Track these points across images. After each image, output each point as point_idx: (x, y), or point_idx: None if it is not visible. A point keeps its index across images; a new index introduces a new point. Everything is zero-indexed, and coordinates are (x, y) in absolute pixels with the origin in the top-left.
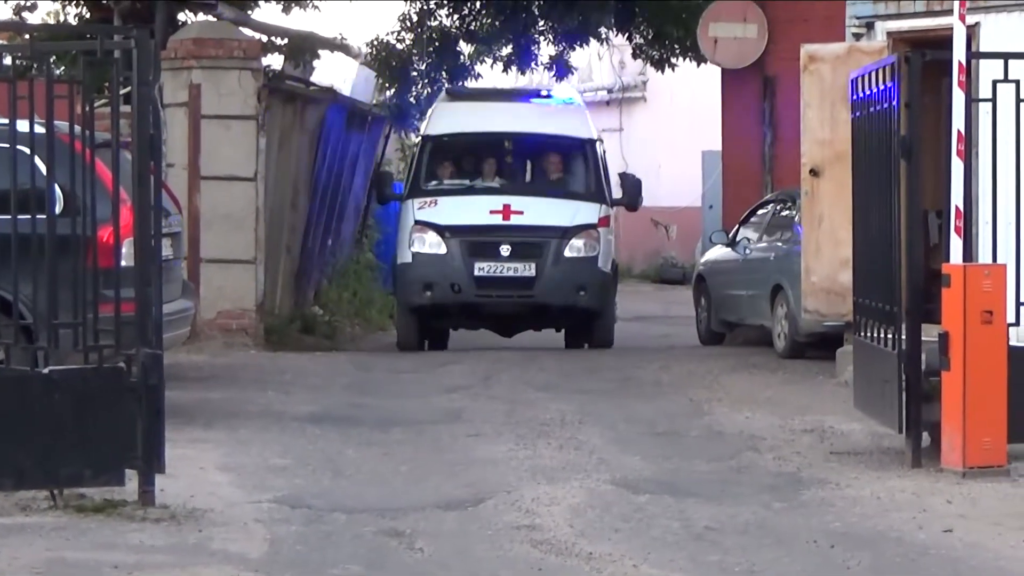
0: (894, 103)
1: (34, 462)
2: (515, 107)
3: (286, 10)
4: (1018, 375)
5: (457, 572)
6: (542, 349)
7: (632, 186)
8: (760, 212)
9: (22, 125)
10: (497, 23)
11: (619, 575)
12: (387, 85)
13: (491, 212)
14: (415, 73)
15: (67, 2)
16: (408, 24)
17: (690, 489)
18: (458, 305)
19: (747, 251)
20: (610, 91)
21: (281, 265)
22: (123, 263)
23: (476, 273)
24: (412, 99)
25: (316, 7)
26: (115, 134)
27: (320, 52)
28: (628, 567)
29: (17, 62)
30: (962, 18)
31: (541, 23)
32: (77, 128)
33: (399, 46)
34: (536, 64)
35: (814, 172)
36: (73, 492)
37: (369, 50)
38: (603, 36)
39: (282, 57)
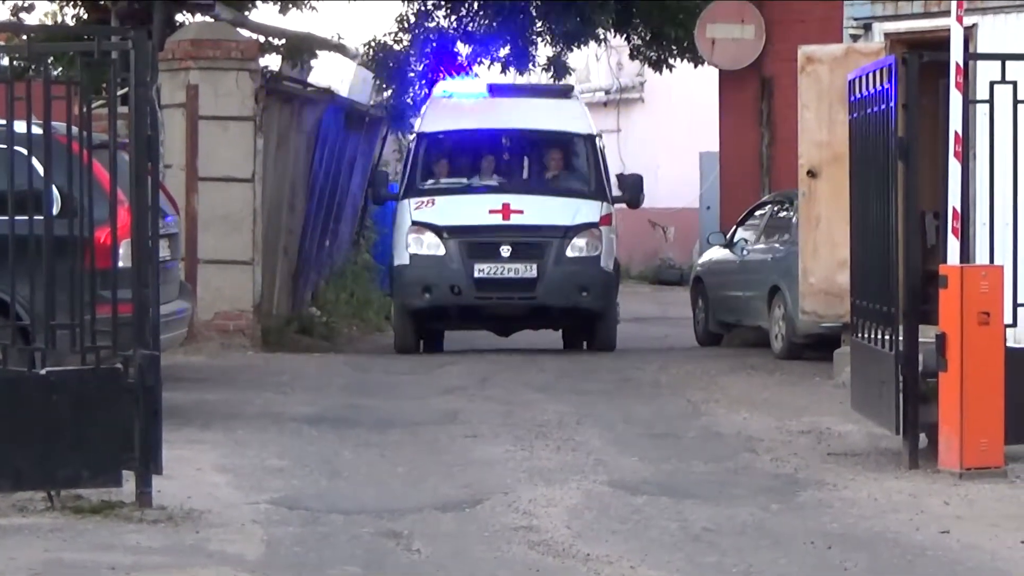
0: (891, 104)
1: (31, 463)
2: (512, 102)
3: (283, 11)
4: (1015, 376)
5: (454, 573)
6: (540, 350)
7: (633, 183)
8: (758, 213)
9: (20, 126)
10: (494, 24)
11: None
12: (384, 86)
13: (490, 211)
14: (412, 74)
15: (65, 3)
16: (405, 25)
17: (688, 490)
18: (457, 307)
19: (745, 252)
20: (608, 92)
21: (278, 266)
22: (120, 264)
23: (476, 275)
24: (409, 100)
25: (313, 8)
26: (112, 135)
27: (318, 53)
28: (626, 568)
29: (15, 63)
30: (959, 19)
31: (539, 24)
32: (75, 129)
33: (396, 47)
34: (534, 65)
35: (811, 173)
36: (70, 493)
37: (366, 51)
38: (601, 37)
39: (280, 58)
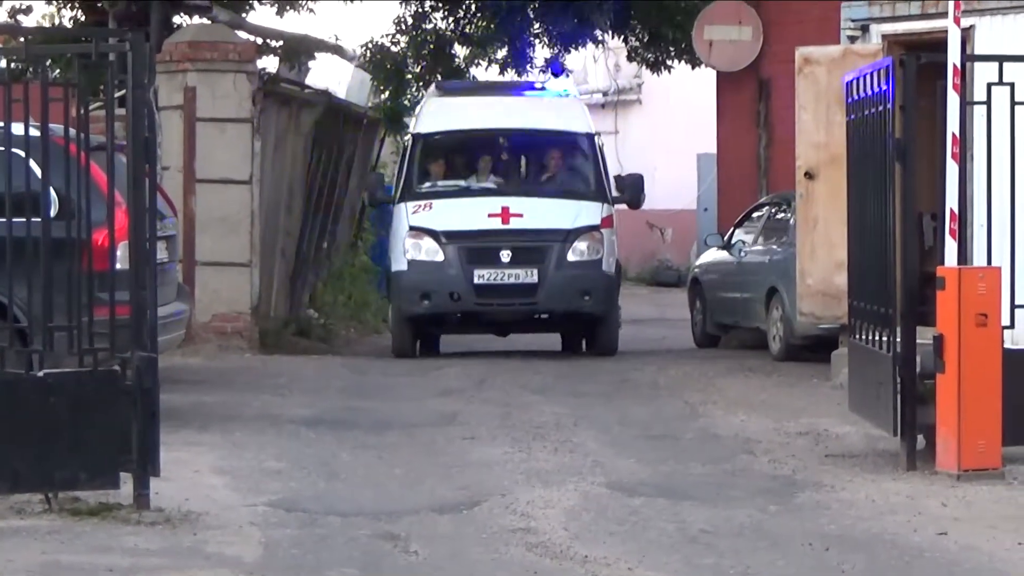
0: (889, 106)
1: (29, 465)
2: (508, 101)
3: (281, 13)
4: (1013, 378)
5: (452, 575)
6: (537, 352)
7: (633, 183)
8: (755, 215)
9: (17, 128)
10: (492, 26)
11: None
12: (382, 88)
13: (489, 215)
14: (410, 76)
15: (62, 5)
16: (403, 27)
17: (685, 492)
18: (457, 314)
19: (742, 254)
20: (605, 94)
21: (276, 268)
22: (118, 266)
23: (476, 281)
24: (407, 102)
25: (311, 10)
26: (110, 137)
27: (315, 55)
28: (623, 570)
29: (12, 65)
30: (957, 21)
31: (536, 26)
32: (72, 131)
33: (394, 48)
34: (531, 67)
35: (809, 175)
36: (68, 495)
37: (364, 52)
38: (599, 39)
39: (277, 60)
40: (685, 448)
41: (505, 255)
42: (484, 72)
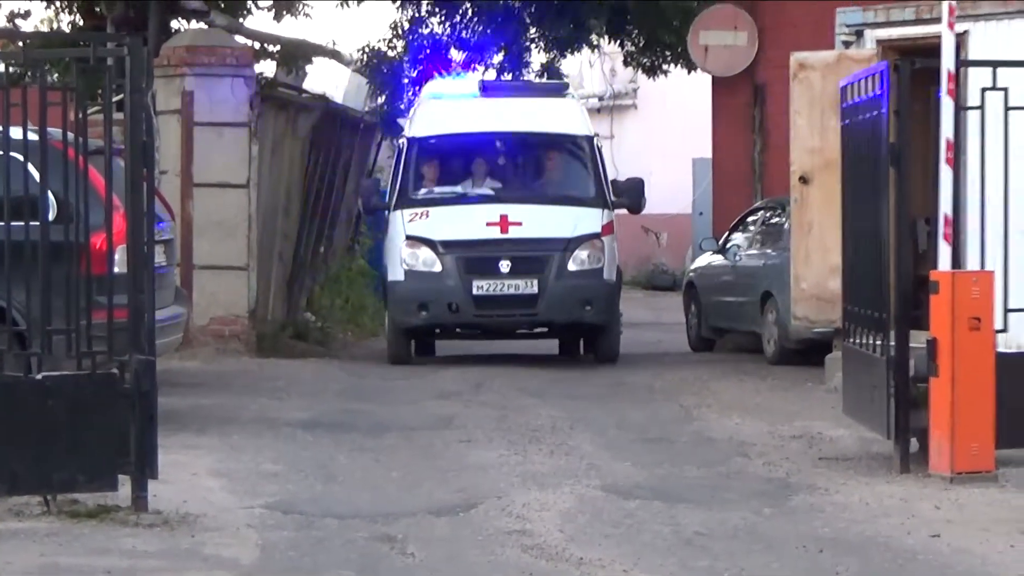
0: (883, 111)
1: (27, 468)
2: (505, 102)
3: (278, 17)
4: (1006, 381)
5: None
6: (534, 356)
7: (634, 187)
8: (750, 219)
9: (15, 132)
10: (488, 30)
11: None
12: (379, 92)
13: (488, 224)
14: (407, 80)
15: (60, 10)
16: (400, 31)
17: (680, 495)
18: (455, 325)
19: (737, 258)
20: (601, 99)
21: (273, 272)
22: (116, 270)
23: (475, 292)
24: (404, 106)
25: (308, 15)
26: (108, 141)
27: (312, 59)
28: (618, 572)
29: (11, 69)
30: (951, 26)
31: (532, 30)
32: (70, 135)
33: (391, 53)
34: (527, 71)
35: (804, 179)
36: (66, 498)
37: (361, 57)
38: (595, 43)
39: (274, 64)
40: (680, 451)
41: (504, 265)
42: (480, 77)
